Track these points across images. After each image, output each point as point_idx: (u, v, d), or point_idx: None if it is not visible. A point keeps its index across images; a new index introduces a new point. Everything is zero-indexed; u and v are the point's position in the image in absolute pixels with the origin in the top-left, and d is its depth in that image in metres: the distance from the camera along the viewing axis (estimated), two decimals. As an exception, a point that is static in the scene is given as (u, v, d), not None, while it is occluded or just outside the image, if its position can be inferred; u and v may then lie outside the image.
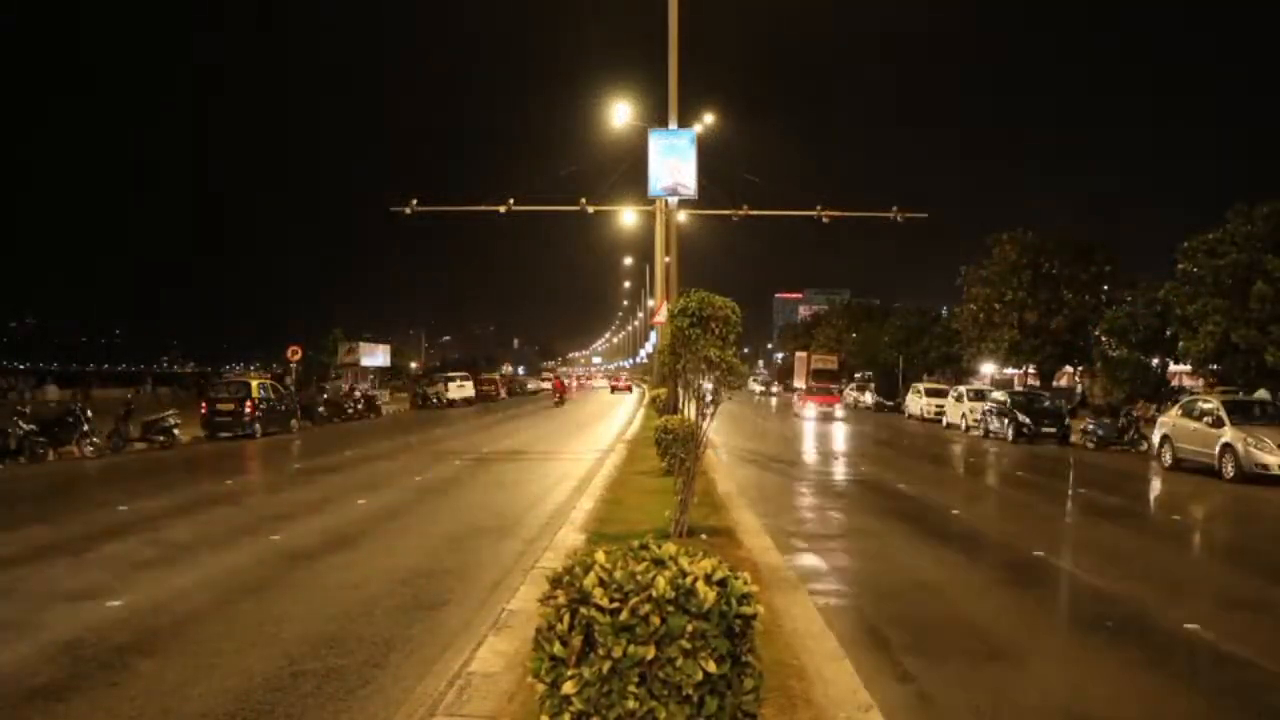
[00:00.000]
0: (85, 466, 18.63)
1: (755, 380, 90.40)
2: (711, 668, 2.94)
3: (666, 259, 21.14)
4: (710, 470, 15.03)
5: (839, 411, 42.91)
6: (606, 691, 2.91)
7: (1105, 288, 41.07)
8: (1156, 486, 17.70)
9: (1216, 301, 27.37)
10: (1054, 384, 45.43)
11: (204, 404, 26.60)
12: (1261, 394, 24.56)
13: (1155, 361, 35.64)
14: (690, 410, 10.04)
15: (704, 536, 9.15)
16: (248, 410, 25.87)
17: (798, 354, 76.30)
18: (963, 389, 35.42)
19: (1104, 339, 37.96)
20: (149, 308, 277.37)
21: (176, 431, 22.58)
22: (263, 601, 7.64)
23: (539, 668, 3.05)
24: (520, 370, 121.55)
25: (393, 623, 6.88)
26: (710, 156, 23.42)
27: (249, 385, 27.20)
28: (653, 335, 36.66)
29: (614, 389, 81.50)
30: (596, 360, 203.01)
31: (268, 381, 29.43)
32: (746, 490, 14.36)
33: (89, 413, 20.09)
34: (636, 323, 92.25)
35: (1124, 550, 10.79)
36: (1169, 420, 20.24)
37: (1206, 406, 19.18)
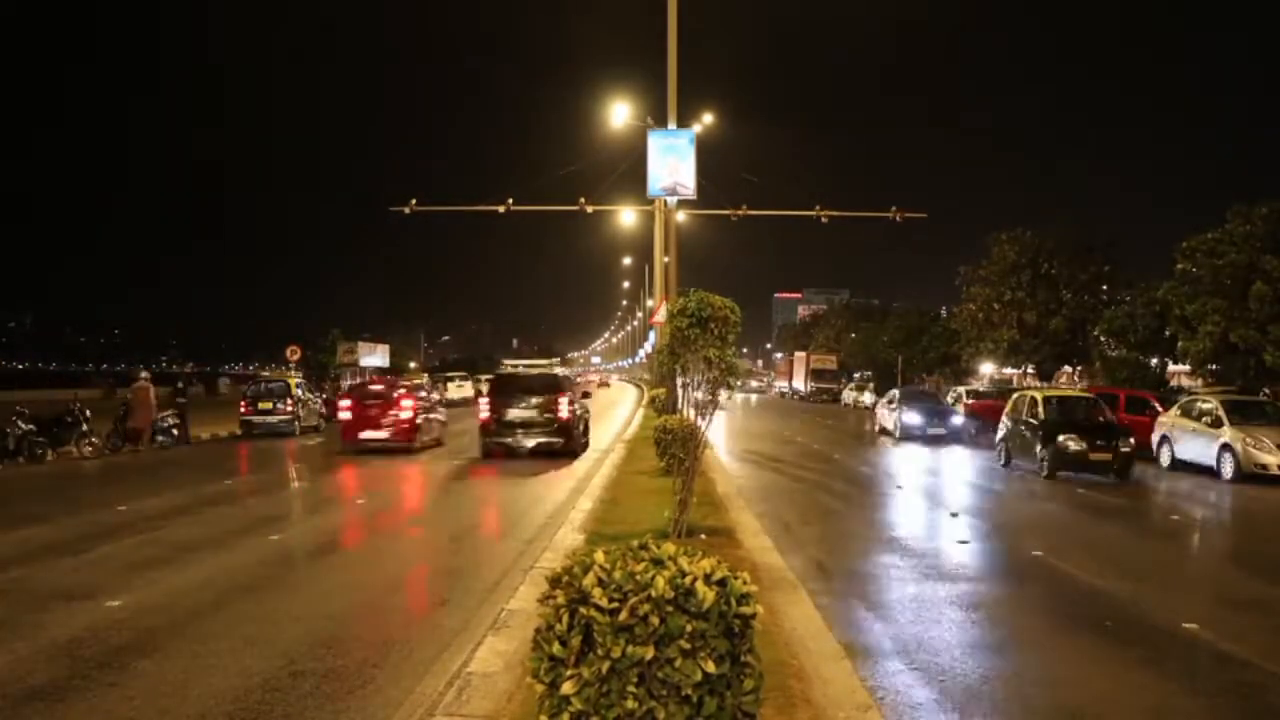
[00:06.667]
0: (84, 467, 18.61)
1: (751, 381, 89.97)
2: (710, 668, 2.94)
3: (665, 259, 21.15)
4: (709, 470, 15.03)
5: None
6: (605, 691, 2.91)
7: (1104, 288, 41.13)
8: (1154, 486, 17.71)
9: (1215, 301, 27.41)
10: (1053, 384, 45.47)
11: (243, 402, 26.68)
12: None
13: (1154, 361, 35.66)
14: (689, 410, 10.04)
15: (703, 536, 9.15)
16: (288, 408, 26.09)
17: (796, 354, 76.32)
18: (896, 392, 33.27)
19: (1103, 339, 38.01)
20: (148, 307, 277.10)
21: (175, 432, 22.54)
22: (261, 601, 7.64)
23: (538, 668, 3.05)
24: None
25: (391, 622, 6.89)
26: (709, 156, 23.43)
27: (288, 384, 27.34)
28: (651, 335, 36.62)
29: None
30: (596, 360, 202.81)
31: (303, 381, 29.79)
32: (745, 490, 14.36)
33: (87, 413, 20.06)
34: (635, 322, 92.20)
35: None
36: (1168, 420, 20.24)
37: (1205, 407, 19.17)
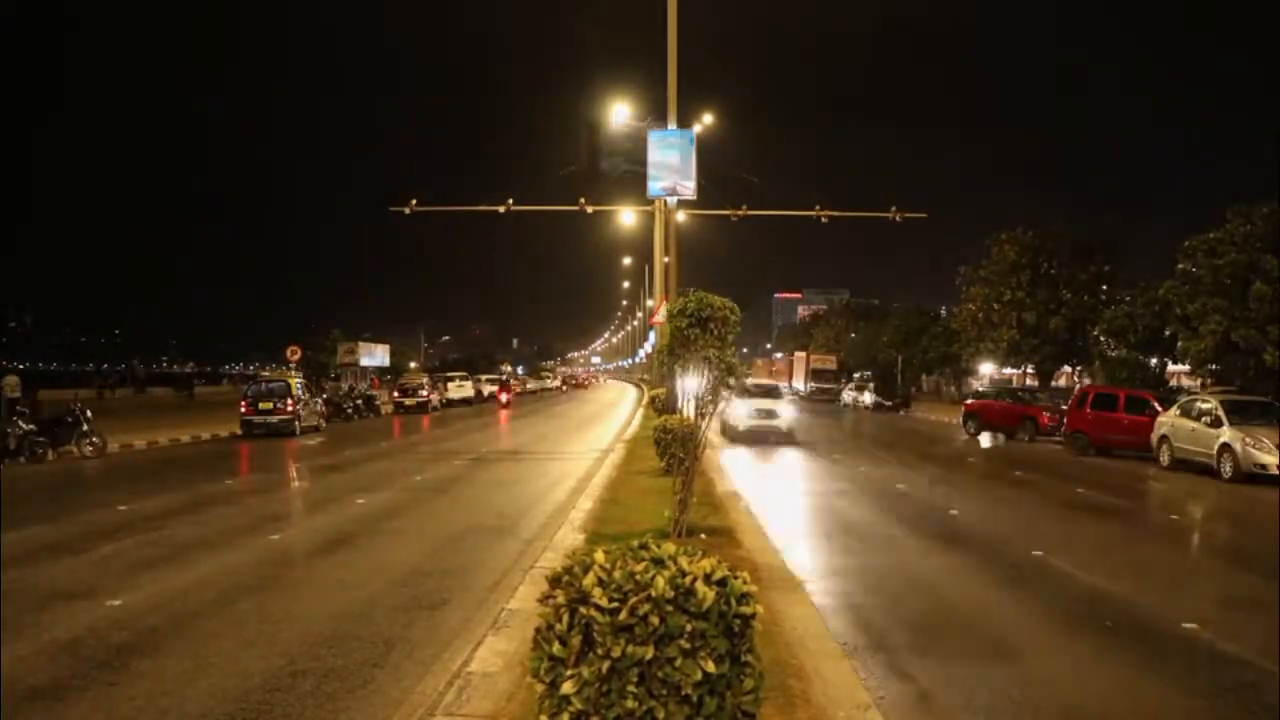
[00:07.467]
0: (84, 466, 18.61)
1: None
2: (710, 667, 2.94)
3: (665, 259, 21.15)
4: (709, 470, 15.03)
5: None
6: (605, 691, 2.91)
7: (1104, 287, 41.09)
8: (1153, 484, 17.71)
9: (1216, 301, 27.38)
10: (1053, 384, 45.44)
11: (244, 403, 26.77)
12: None
13: (1154, 361, 35.63)
14: (689, 410, 10.04)
15: (703, 536, 9.15)
16: (289, 408, 26.20)
17: (796, 354, 76.34)
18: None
19: (1103, 339, 37.97)
20: (148, 308, 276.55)
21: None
22: (261, 601, 7.64)
23: (538, 667, 3.06)
24: (520, 370, 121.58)
25: (392, 622, 6.88)
26: (709, 156, 23.42)
27: (289, 384, 27.43)
28: (651, 335, 36.65)
29: None
30: (596, 360, 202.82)
31: (303, 381, 29.89)
32: (746, 490, 14.36)
33: (88, 413, 20.06)
34: (635, 323, 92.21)
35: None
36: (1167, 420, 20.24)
37: (1205, 406, 19.16)
